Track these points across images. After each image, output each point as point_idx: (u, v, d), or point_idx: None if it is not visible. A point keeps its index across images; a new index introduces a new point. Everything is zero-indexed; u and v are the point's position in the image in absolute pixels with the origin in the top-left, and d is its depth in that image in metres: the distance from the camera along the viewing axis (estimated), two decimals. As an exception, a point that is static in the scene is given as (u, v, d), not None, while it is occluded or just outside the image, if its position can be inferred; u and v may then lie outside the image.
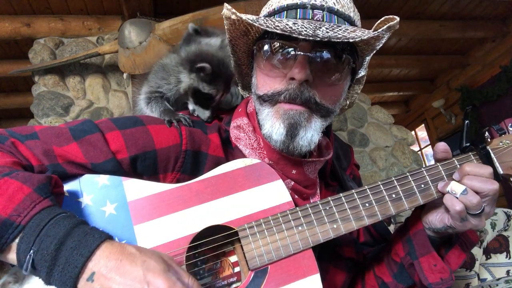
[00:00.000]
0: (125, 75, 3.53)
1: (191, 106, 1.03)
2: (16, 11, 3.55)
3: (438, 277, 0.86)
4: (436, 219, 0.87)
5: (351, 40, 0.74)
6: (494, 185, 0.79)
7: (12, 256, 0.60)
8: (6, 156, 0.69)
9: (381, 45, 0.86)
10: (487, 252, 1.96)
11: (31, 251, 0.57)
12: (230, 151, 0.93)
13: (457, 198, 0.80)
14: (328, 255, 0.93)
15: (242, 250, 0.76)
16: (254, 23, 0.78)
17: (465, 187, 0.79)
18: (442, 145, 0.87)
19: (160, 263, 0.60)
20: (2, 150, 0.71)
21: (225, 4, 0.83)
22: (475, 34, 4.86)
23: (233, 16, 0.82)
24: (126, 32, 3.07)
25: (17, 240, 0.59)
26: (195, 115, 1.01)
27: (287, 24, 0.75)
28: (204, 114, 1.00)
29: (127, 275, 0.56)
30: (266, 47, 0.85)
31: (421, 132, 7.68)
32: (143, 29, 3.09)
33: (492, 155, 0.87)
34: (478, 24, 4.80)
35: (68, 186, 0.74)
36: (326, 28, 0.76)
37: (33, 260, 0.57)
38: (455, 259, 0.89)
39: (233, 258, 0.81)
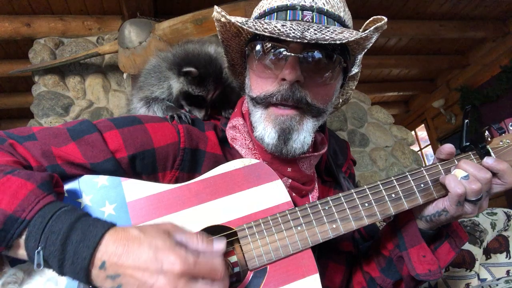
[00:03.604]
0: (125, 75, 3.53)
1: (186, 107, 1.04)
2: (16, 11, 3.55)
3: (426, 268, 0.86)
4: (430, 204, 0.87)
5: (338, 42, 0.75)
6: (487, 174, 0.81)
7: (22, 252, 0.61)
8: (6, 156, 0.69)
9: (371, 44, 0.87)
10: (487, 252, 1.96)
11: (39, 247, 0.58)
12: (227, 149, 0.94)
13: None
14: (326, 251, 0.93)
15: (241, 250, 0.76)
16: (243, 26, 0.78)
17: (467, 173, 0.81)
18: (448, 147, 0.87)
19: (165, 239, 0.60)
20: (2, 151, 0.71)
21: (215, 7, 0.83)
22: (475, 34, 4.87)
23: (222, 19, 0.83)
24: (126, 32, 3.07)
25: (23, 236, 0.60)
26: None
27: (275, 26, 0.76)
28: (200, 113, 1.01)
29: (138, 258, 0.57)
30: (257, 48, 0.85)
31: (421, 132, 7.68)
32: (143, 29, 3.09)
33: (492, 154, 0.87)
34: (478, 24, 4.80)
35: (67, 187, 0.74)
36: (314, 30, 0.76)
37: (43, 255, 0.58)
38: (444, 256, 0.89)
39: (232, 259, 0.81)
